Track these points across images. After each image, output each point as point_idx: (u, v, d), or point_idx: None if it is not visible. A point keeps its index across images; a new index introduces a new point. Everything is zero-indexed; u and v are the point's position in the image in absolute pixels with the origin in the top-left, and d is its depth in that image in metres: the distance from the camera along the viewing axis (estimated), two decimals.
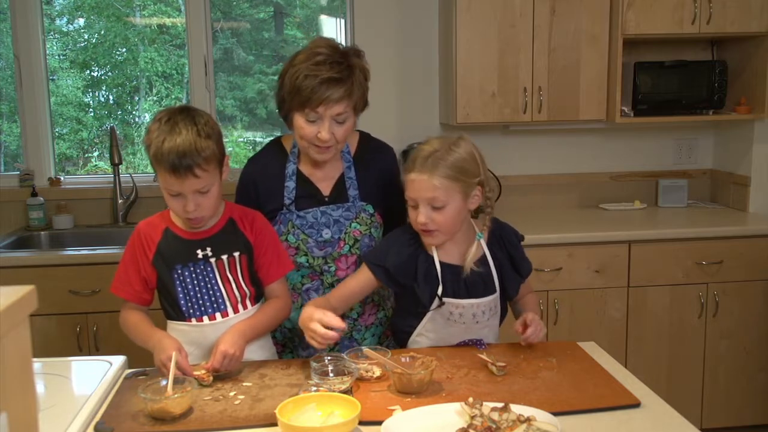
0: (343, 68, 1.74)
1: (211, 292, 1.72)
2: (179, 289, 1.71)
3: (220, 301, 1.72)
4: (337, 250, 1.87)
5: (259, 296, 1.79)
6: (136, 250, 1.73)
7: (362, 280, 1.78)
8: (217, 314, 1.72)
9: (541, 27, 3.12)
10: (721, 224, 3.14)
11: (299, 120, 1.77)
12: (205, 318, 1.71)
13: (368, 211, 1.90)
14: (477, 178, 1.70)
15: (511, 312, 1.89)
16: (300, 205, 1.87)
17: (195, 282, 1.71)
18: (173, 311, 1.73)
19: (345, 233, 1.87)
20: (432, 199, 1.65)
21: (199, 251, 1.72)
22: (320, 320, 1.57)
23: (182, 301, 1.71)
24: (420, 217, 1.67)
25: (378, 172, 1.93)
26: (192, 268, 1.71)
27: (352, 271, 1.87)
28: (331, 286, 1.86)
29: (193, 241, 1.72)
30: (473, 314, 1.75)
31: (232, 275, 1.73)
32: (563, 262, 2.97)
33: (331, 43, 1.80)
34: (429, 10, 3.42)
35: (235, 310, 1.73)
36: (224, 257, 1.73)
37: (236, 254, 1.74)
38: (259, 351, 1.78)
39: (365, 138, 1.99)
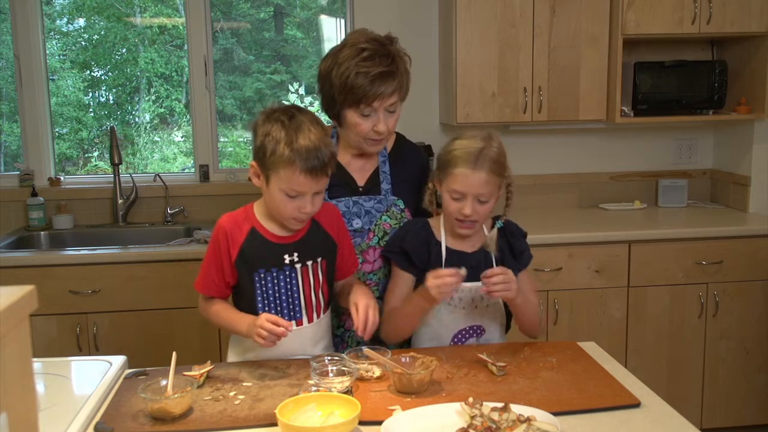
0: (390, 61, 1.77)
1: (290, 300, 1.69)
2: (258, 293, 1.68)
3: (297, 309, 1.70)
4: (366, 241, 1.88)
5: (327, 305, 1.78)
6: (220, 248, 1.68)
7: (402, 280, 1.82)
8: (293, 323, 1.67)
9: (541, 27, 3.12)
10: (721, 224, 3.14)
11: (353, 117, 1.79)
12: None
13: (399, 206, 1.92)
14: (508, 171, 1.79)
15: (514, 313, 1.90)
16: (333, 194, 1.89)
17: (276, 288, 1.68)
18: (248, 313, 1.69)
19: (375, 225, 1.89)
20: (481, 194, 1.71)
21: (286, 256, 1.68)
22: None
23: (260, 305, 1.68)
24: (467, 209, 1.71)
25: (411, 170, 1.96)
26: (275, 274, 1.68)
27: (379, 264, 1.89)
28: (358, 280, 1.87)
29: (281, 245, 1.68)
30: (472, 299, 1.79)
31: (314, 281, 1.71)
32: (563, 262, 2.97)
33: (371, 36, 1.81)
34: (429, 10, 3.42)
35: (310, 320, 1.72)
36: (309, 263, 1.70)
37: (319, 259, 1.72)
38: (317, 349, 1.76)
39: (401, 138, 2.03)
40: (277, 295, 1.69)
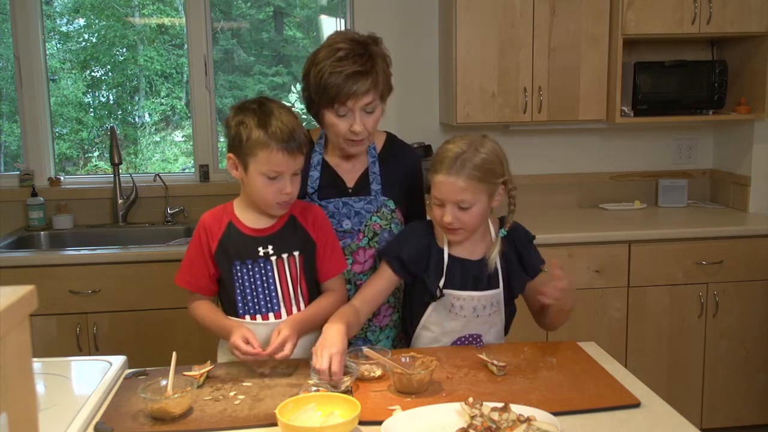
0: (366, 60, 1.76)
1: (267, 291, 1.72)
2: (236, 285, 1.71)
3: (275, 301, 1.72)
4: (356, 242, 1.88)
5: (312, 300, 1.78)
6: (201, 242, 1.74)
7: (384, 277, 1.80)
8: (270, 315, 1.72)
9: (541, 27, 3.12)
10: (721, 224, 3.14)
11: (330, 117, 1.80)
12: (259, 317, 1.72)
13: (389, 206, 1.91)
14: (502, 177, 1.73)
15: (526, 311, 1.89)
16: (323, 195, 1.89)
17: (252, 280, 1.71)
18: (229, 307, 1.75)
19: (365, 225, 1.88)
20: (460, 201, 1.67)
21: (260, 249, 1.72)
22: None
23: (238, 298, 1.72)
24: (446, 216, 1.68)
25: (402, 170, 1.95)
26: (250, 266, 1.71)
27: (369, 265, 1.89)
28: (348, 281, 1.87)
29: (255, 238, 1.72)
30: (473, 308, 1.77)
31: (290, 275, 1.73)
32: (563, 262, 2.97)
33: (349, 36, 1.81)
34: (429, 10, 3.42)
35: (289, 312, 1.73)
36: (284, 256, 1.73)
37: (296, 253, 1.74)
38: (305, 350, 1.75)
39: (391, 138, 2.03)
40: (253, 287, 1.72)
